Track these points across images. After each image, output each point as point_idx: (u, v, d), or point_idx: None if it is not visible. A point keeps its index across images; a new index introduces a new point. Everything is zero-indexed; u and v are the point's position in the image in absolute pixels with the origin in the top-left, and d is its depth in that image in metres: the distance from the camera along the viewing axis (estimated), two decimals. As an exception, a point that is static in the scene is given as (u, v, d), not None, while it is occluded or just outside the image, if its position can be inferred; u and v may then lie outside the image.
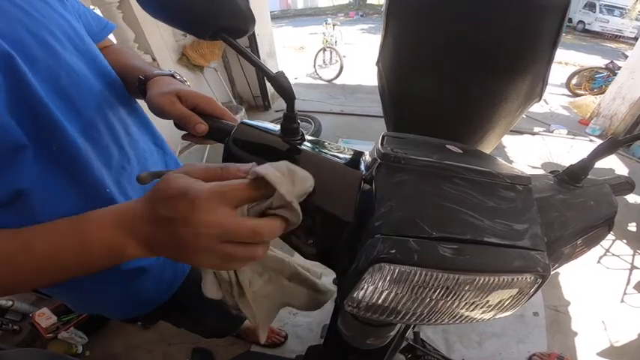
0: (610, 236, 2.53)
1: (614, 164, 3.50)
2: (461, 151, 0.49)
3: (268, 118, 3.99)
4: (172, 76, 0.62)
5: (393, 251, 0.32)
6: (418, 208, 0.36)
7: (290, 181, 0.34)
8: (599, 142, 3.72)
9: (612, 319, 1.95)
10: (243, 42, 3.75)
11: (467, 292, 0.35)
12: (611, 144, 0.45)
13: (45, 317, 1.62)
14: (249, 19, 0.37)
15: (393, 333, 0.62)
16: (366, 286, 0.35)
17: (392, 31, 0.67)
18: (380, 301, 0.37)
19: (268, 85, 4.27)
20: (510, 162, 3.35)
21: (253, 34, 3.77)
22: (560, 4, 0.53)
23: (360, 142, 3.51)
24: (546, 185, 0.51)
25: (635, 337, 1.86)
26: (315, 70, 6.00)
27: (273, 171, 0.32)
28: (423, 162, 0.39)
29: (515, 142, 3.84)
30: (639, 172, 3.39)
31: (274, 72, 0.40)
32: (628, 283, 2.17)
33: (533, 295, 0.37)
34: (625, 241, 2.50)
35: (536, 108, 4.75)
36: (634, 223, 2.67)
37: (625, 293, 2.11)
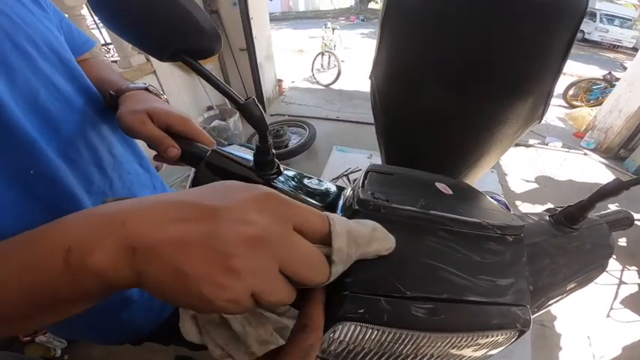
0: (601, 252, 2.53)
1: (608, 179, 3.50)
2: (450, 192, 0.47)
3: (264, 121, 3.96)
4: (147, 89, 0.58)
5: (362, 311, 0.30)
6: (395, 264, 0.33)
7: (353, 241, 0.29)
8: (594, 155, 3.77)
9: (598, 335, 1.96)
10: (239, 43, 3.80)
11: (440, 348, 0.34)
12: (616, 185, 0.44)
13: None
14: (213, 39, 0.34)
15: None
16: (333, 340, 0.33)
17: (386, 44, 0.64)
18: (348, 352, 0.35)
19: (264, 88, 4.33)
20: (505, 175, 3.36)
21: (251, 36, 3.78)
22: (577, 9, 0.46)
23: (355, 150, 3.49)
24: (540, 228, 0.49)
25: (620, 353, 1.87)
26: (313, 74, 5.99)
27: (344, 224, 0.29)
28: (406, 212, 0.36)
29: (509, 154, 3.82)
30: (634, 187, 3.34)
31: (244, 99, 0.38)
32: (615, 298, 2.19)
33: (509, 346, 0.37)
34: (614, 256, 2.50)
35: (532, 119, 4.75)
36: (624, 239, 2.68)
37: (612, 308, 2.13)
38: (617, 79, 4.38)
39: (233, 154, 0.48)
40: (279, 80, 5.12)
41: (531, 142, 4.08)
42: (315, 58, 5.93)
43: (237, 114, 3.46)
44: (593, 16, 12.18)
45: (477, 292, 0.33)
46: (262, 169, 0.45)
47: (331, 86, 5.69)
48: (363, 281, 0.32)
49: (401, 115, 0.73)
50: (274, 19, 14.97)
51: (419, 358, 0.35)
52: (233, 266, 0.22)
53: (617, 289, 2.26)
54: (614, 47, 12.09)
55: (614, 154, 3.86)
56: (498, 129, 0.63)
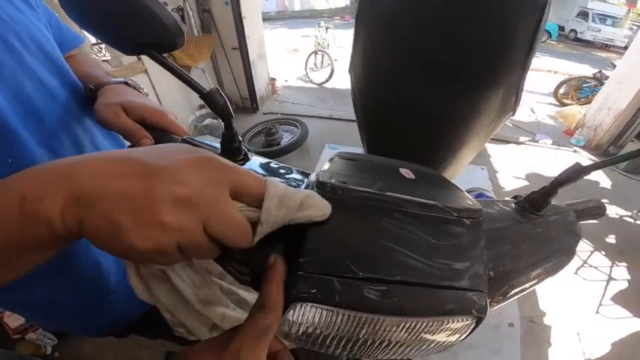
0: (588, 247, 2.56)
1: (597, 176, 3.54)
2: (413, 177, 0.47)
3: (256, 120, 3.97)
4: (126, 84, 0.60)
5: (314, 291, 0.31)
6: (349, 245, 0.34)
7: (284, 204, 0.31)
8: (584, 153, 3.80)
9: (587, 331, 1.98)
10: (231, 42, 3.79)
11: (395, 334, 0.33)
12: (575, 170, 0.44)
13: (13, 318, 1.61)
14: (176, 34, 0.36)
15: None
16: (290, 322, 0.33)
17: (361, 38, 0.65)
18: (307, 336, 0.35)
19: (257, 87, 4.32)
20: (495, 172, 3.38)
21: (243, 35, 3.77)
22: (538, 1, 0.48)
23: (346, 147, 3.49)
24: (504, 214, 0.48)
25: (609, 349, 1.88)
26: (307, 73, 5.99)
27: (280, 188, 0.31)
28: (362, 193, 0.36)
29: (500, 151, 3.87)
30: (623, 184, 3.45)
31: (208, 88, 0.39)
32: (604, 295, 2.20)
33: (468, 335, 0.36)
34: (604, 252, 2.53)
35: (523, 117, 4.80)
36: (613, 235, 2.71)
37: (601, 304, 2.14)
38: (607, 78, 4.42)
39: (202, 142, 0.49)
40: (273, 79, 5.11)
41: (522, 139, 4.11)
42: (308, 57, 5.94)
43: (229, 112, 3.46)
44: (585, 15, 12.30)
45: (431, 275, 0.33)
46: (229, 156, 0.46)
47: (324, 85, 5.70)
48: (317, 262, 0.32)
49: (379, 108, 0.74)
50: (269, 18, 14.93)
51: (377, 344, 0.35)
52: (160, 220, 0.25)
53: (607, 285, 2.28)
54: (606, 46, 12.21)
55: (603, 151, 3.89)
56: (473, 120, 0.63)
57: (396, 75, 0.65)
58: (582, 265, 2.41)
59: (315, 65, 6.13)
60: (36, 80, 0.50)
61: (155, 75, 3.02)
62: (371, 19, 0.62)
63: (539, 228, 0.47)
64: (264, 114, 4.40)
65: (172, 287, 0.40)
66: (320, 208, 0.33)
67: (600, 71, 5.23)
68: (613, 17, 12.09)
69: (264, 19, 4.36)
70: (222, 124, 0.43)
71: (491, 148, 3.88)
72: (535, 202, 0.48)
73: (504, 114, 0.64)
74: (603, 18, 12.19)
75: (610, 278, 2.33)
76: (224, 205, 0.28)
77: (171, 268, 0.39)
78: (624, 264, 2.46)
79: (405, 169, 0.48)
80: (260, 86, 4.53)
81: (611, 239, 2.68)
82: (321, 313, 0.32)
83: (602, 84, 4.60)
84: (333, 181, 0.37)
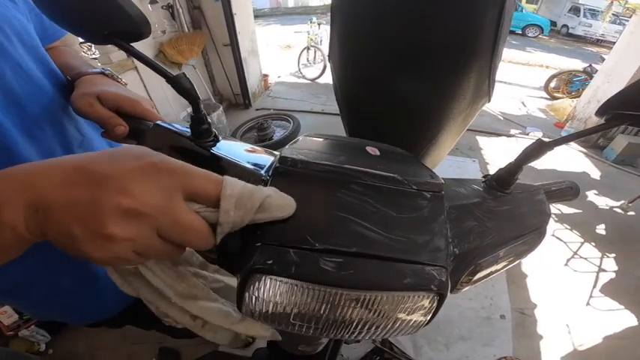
0: (578, 238, 2.58)
1: (587, 167, 3.58)
2: (378, 154, 0.47)
3: (249, 116, 3.96)
4: (104, 74, 0.60)
5: (270, 262, 0.30)
6: (307, 217, 0.34)
7: (242, 205, 0.30)
8: (574, 145, 3.83)
9: (577, 323, 1.99)
10: (222, 38, 3.78)
11: (355, 310, 0.33)
12: (538, 146, 0.42)
13: (6, 315, 1.62)
14: (141, 24, 0.37)
15: (324, 341, 0.60)
16: (251, 296, 0.33)
17: (336, 25, 0.65)
18: (272, 314, 0.35)
19: (249, 83, 4.31)
20: (486, 164, 3.40)
21: (234, 31, 3.76)
22: None
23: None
24: (471, 192, 0.48)
25: (600, 341, 1.90)
26: (299, 69, 5.98)
27: (237, 189, 0.30)
28: (321, 166, 0.37)
29: (491, 143, 3.90)
30: (612, 175, 3.48)
31: (174, 74, 0.39)
32: (595, 286, 2.22)
33: (434, 314, 0.35)
34: (594, 243, 2.55)
35: (514, 110, 4.84)
36: (603, 226, 2.74)
37: (591, 296, 2.15)
38: (597, 71, 4.45)
39: (172, 127, 0.49)
40: (265, 75, 5.10)
41: (512, 132, 4.14)
42: (300, 53, 5.93)
43: (221, 108, 3.45)
44: (577, 11, 12.40)
45: (389, 247, 0.33)
46: (199, 138, 0.46)
47: (317, 80, 5.69)
48: (275, 233, 0.32)
49: (357, 96, 0.74)
50: (263, 15, 14.86)
51: (341, 322, 0.34)
52: (107, 232, 0.25)
53: (597, 277, 2.29)
54: (598, 41, 12.28)
55: (593, 144, 3.93)
56: (448, 105, 0.63)
57: (369, 62, 0.65)
58: (573, 257, 2.42)
59: (308, 61, 6.15)
60: (18, 69, 0.51)
61: (145, 72, 2.99)
62: (343, 6, 0.62)
63: (506, 205, 0.46)
64: (256, 110, 4.39)
65: (148, 282, 0.40)
66: (282, 207, 0.32)
67: (590, 65, 5.25)
68: (602, 12, 12.18)
69: (257, 16, 4.35)
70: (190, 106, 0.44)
71: (483, 141, 3.90)
72: (502, 179, 0.47)
73: (479, 100, 0.64)
74: (595, 13, 12.30)
75: (600, 269, 2.35)
76: (177, 211, 0.28)
77: (143, 265, 0.39)
78: (614, 254, 2.49)
79: (371, 148, 0.48)
80: (252, 82, 4.51)
81: (600, 230, 2.71)
82: (279, 285, 0.31)
83: (592, 77, 4.63)
84: (294, 155, 0.38)
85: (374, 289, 0.31)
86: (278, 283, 0.31)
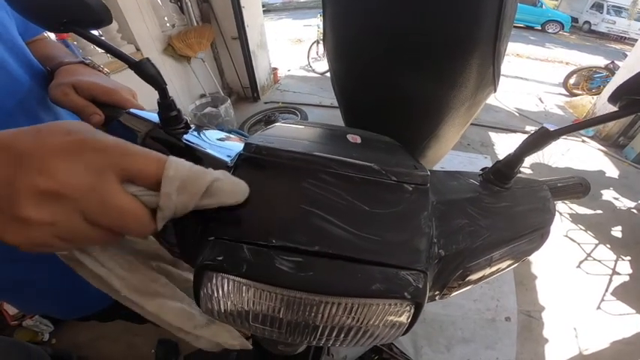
0: (593, 240, 2.49)
1: (605, 166, 3.44)
2: (359, 142, 0.42)
3: (257, 109, 3.95)
4: (84, 63, 0.61)
5: (221, 258, 0.27)
6: (267, 209, 0.30)
7: (186, 189, 0.27)
8: (593, 143, 3.70)
9: (586, 327, 1.91)
10: (231, 32, 3.76)
11: (318, 315, 0.28)
12: (542, 135, 0.37)
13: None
14: (100, 11, 0.36)
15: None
16: (206, 293, 0.29)
17: (329, 9, 0.62)
18: (230, 310, 0.30)
19: (258, 76, 4.29)
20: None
21: (243, 25, 3.75)
22: None
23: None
24: (465, 186, 0.43)
25: (607, 346, 1.82)
26: (309, 63, 5.95)
27: (183, 171, 0.27)
28: (287, 154, 0.33)
29: (505, 140, 3.77)
30: (632, 175, 3.34)
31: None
32: (607, 290, 2.13)
33: (410, 325, 0.30)
34: (609, 246, 2.45)
35: (530, 107, 4.70)
36: (619, 227, 2.63)
37: (602, 300, 2.07)
38: (619, 68, 4.29)
39: (141, 114, 0.49)
40: (275, 69, 5.07)
41: (528, 128, 4.02)
42: (310, 47, 5.89)
43: (229, 101, 3.44)
44: (600, 7, 12.07)
45: (358, 247, 0.28)
46: (169, 125, 0.44)
47: (326, 74, 5.61)
48: (229, 226, 0.29)
49: (351, 85, 0.70)
50: (275, 9, 14.82)
51: (303, 326, 0.30)
52: (21, 215, 0.23)
53: (610, 280, 2.20)
54: (621, 39, 11.95)
55: (613, 142, 3.80)
56: (449, 93, 0.59)
57: (362, 48, 0.61)
58: (586, 259, 2.33)
59: (318, 54, 6.11)
60: None
61: (150, 55, 2.99)
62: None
63: (504, 202, 0.41)
64: (265, 103, 4.36)
65: (92, 272, 0.36)
66: (232, 193, 0.29)
67: (613, 62, 5.08)
68: (628, 9, 11.81)
69: (269, 11, 4.34)
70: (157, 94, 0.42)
71: (496, 137, 3.78)
72: (500, 172, 0.42)
73: (483, 88, 0.59)
74: (618, 10, 11.94)
75: (614, 272, 2.25)
76: (106, 193, 0.25)
77: (80, 251, 0.34)
78: (629, 258, 2.38)
79: (352, 135, 0.43)
80: (261, 75, 4.48)
81: (616, 232, 2.60)
82: (232, 284, 0.28)
83: (614, 74, 4.48)
84: (260, 142, 0.34)
85: (336, 294, 0.27)
86: (230, 281, 0.27)
